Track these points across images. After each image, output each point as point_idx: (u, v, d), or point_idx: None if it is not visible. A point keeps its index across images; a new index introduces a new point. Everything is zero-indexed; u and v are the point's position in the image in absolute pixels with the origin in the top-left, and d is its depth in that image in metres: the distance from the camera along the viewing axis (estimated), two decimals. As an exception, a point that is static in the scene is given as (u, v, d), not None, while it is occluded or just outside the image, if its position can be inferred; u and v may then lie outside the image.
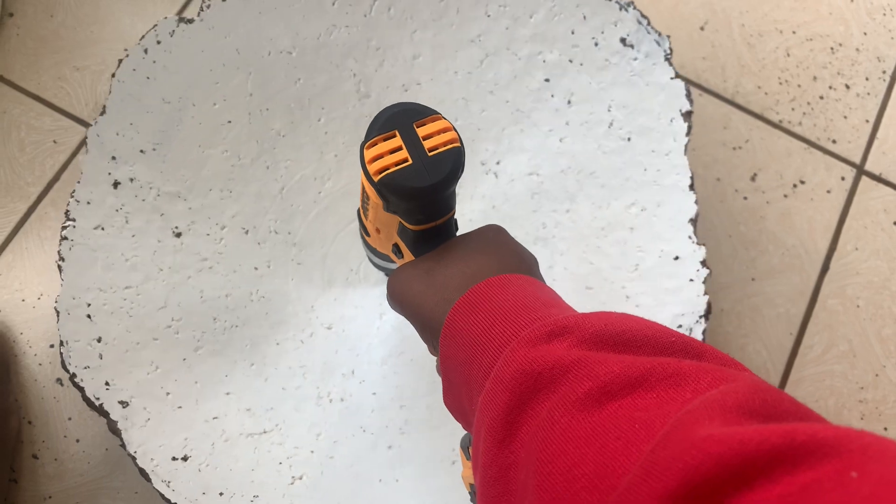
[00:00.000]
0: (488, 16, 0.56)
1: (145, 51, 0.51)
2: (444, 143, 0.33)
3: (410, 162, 0.32)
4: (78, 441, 0.53)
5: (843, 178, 0.64)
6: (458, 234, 0.38)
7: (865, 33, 0.68)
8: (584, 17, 0.55)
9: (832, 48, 0.67)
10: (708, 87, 0.65)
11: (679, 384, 0.22)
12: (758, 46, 0.67)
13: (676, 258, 0.54)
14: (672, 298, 0.53)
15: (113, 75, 0.51)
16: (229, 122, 0.54)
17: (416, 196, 0.33)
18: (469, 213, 0.57)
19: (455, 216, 0.38)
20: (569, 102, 0.56)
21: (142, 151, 0.51)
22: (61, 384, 0.54)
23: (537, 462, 0.22)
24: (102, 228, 0.50)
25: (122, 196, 0.51)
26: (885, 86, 0.66)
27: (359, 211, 0.41)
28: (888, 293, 0.61)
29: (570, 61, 0.56)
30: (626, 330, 0.25)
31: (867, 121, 0.65)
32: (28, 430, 0.53)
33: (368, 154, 0.33)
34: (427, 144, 0.33)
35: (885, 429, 0.58)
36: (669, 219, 0.54)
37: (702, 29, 0.67)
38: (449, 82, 0.57)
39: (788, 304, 0.60)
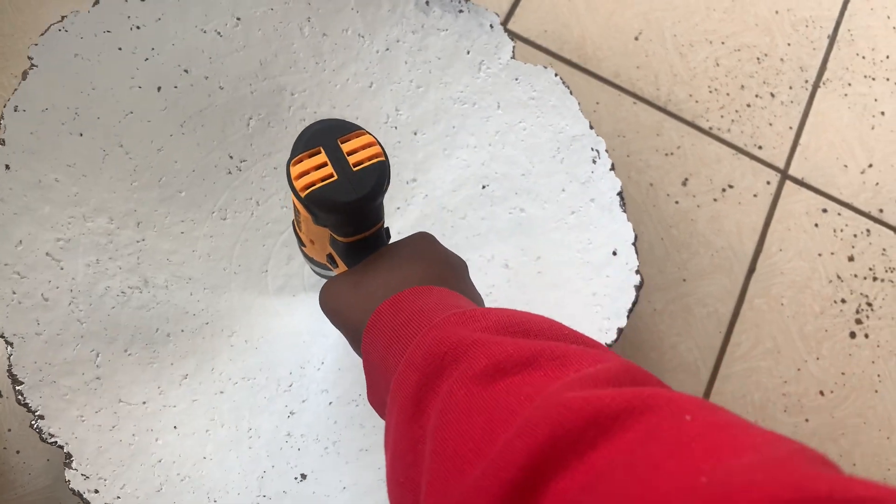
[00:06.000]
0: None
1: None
2: (369, 158, 0.34)
3: (336, 177, 0.33)
4: (18, 452, 0.53)
5: (768, 183, 0.67)
6: (390, 241, 0.39)
7: (789, 44, 0.71)
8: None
9: (758, 58, 0.70)
10: (642, 95, 0.68)
11: (564, 364, 0.25)
12: (689, 56, 0.70)
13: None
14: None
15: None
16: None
17: (343, 210, 0.34)
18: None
19: (385, 225, 0.39)
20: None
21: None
22: (0, 396, 0.54)
23: (435, 430, 0.25)
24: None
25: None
26: (808, 94, 0.70)
27: (293, 223, 0.42)
28: (810, 292, 0.64)
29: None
30: (525, 321, 0.28)
31: (791, 128, 0.69)
32: (-34, 443, 0.53)
33: (294, 171, 0.33)
34: (352, 160, 0.33)
35: (807, 420, 0.61)
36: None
37: (636, 39, 0.70)
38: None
39: (718, 303, 0.63)
